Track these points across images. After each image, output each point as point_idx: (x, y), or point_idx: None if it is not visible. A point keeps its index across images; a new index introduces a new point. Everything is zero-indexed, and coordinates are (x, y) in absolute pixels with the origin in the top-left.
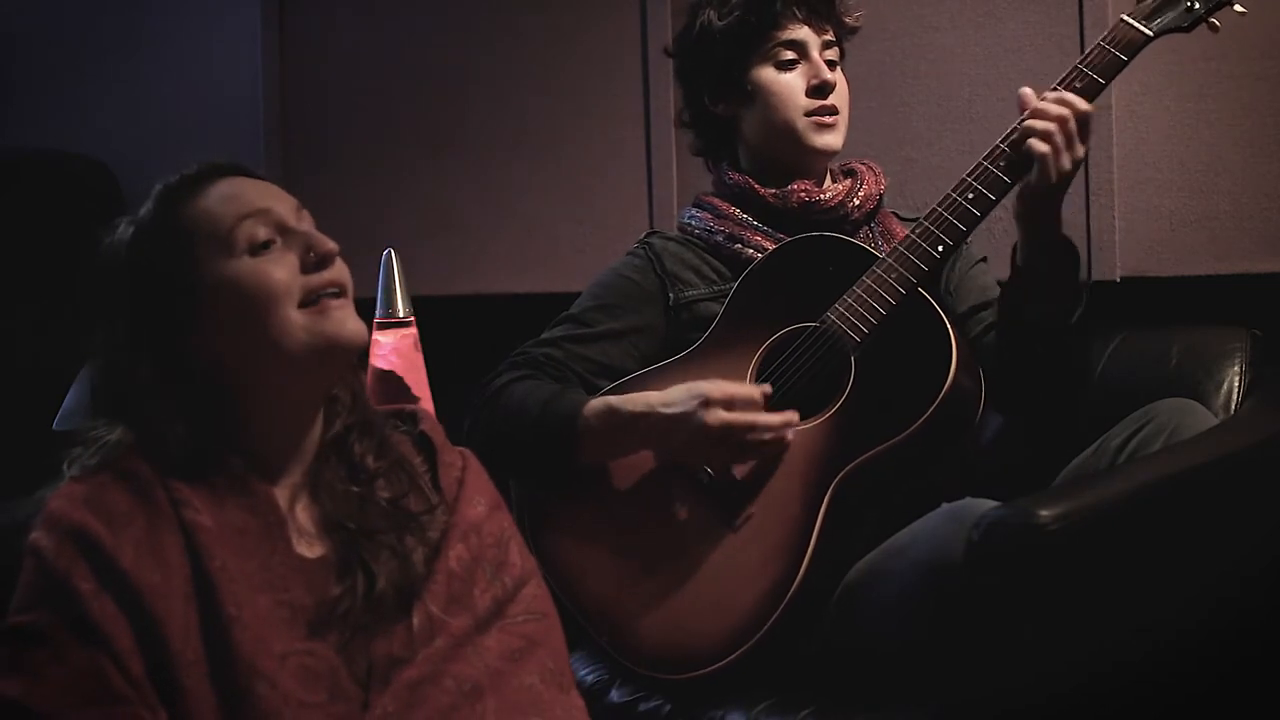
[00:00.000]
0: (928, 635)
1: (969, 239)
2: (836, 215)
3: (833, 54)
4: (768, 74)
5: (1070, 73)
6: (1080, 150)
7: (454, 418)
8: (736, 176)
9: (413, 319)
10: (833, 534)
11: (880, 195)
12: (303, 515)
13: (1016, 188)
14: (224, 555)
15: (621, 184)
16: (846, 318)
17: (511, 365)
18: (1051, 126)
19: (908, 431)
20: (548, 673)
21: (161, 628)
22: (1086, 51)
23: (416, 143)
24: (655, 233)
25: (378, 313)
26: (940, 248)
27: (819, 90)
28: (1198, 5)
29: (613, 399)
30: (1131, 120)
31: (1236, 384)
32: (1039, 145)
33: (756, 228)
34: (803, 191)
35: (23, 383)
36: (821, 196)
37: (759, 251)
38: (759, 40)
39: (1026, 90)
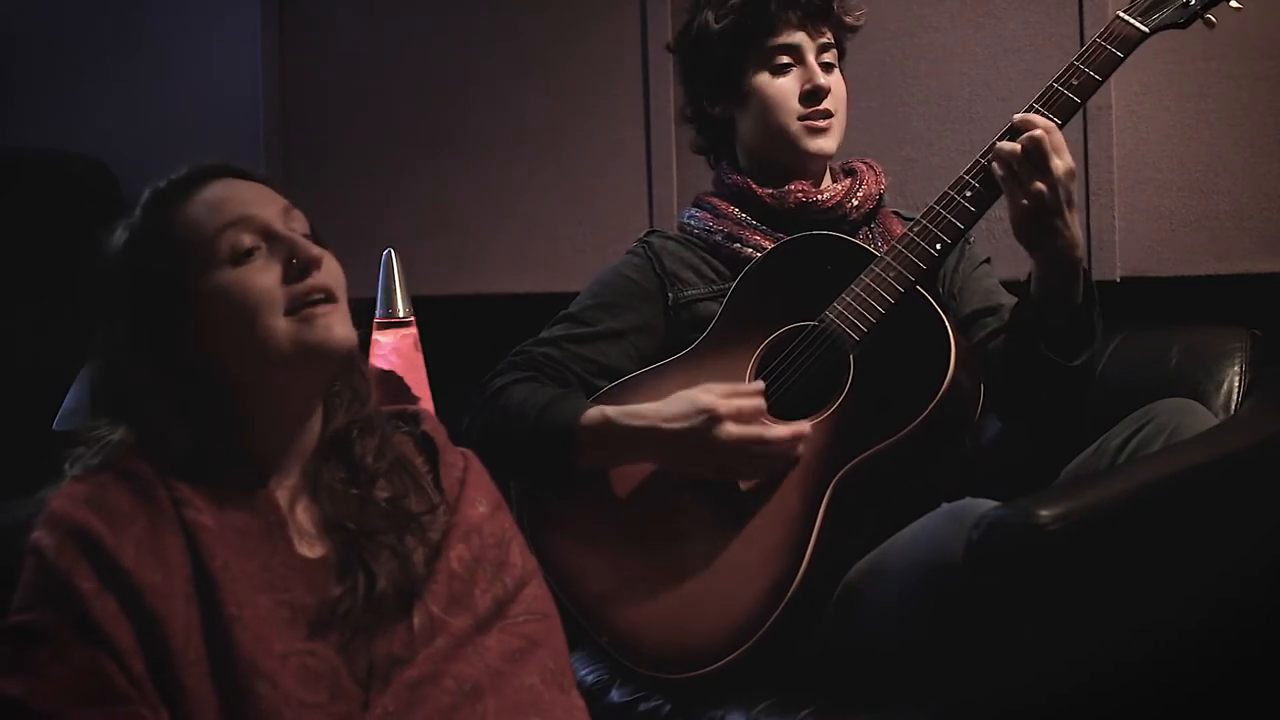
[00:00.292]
0: (928, 635)
1: (969, 238)
2: (835, 215)
3: (830, 56)
4: (762, 79)
5: (1066, 70)
6: (1058, 170)
7: (454, 418)
8: (735, 176)
9: (413, 319)
10: (833, 533)
11: (880, 194)
12: (303, 516)
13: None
14: (225, 555)
15: (621, 184)
16: (845, 316)
17: (510, 365)
18: (1015, 148)
19: (907, 430)
20: (548, 673)
21: (163, 627)
22: (1082, 49)
23: (416, 143)
24: (655, 232)
25: (378, 313)
26: (938, 246)
27: (812, 96)
28: (1193, 1)
29: (610, 410)
30: (1131, 120)
31: (1236, 384)
32: (997, 169)
33: (755, 227)
34: (800, 192)
35: (23, 383)
36: (819, 197)
37: (758, 251)
38: (754, 45)
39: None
